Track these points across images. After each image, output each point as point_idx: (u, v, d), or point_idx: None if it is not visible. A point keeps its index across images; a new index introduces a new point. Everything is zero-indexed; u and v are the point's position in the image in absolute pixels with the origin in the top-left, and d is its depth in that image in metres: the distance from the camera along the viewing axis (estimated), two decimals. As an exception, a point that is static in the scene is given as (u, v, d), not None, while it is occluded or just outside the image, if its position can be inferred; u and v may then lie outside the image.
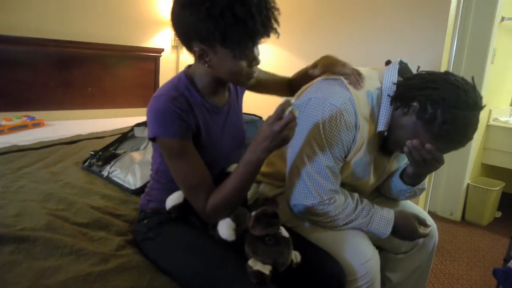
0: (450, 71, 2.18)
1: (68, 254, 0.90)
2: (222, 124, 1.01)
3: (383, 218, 1.05)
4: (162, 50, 2.80)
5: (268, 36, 0.86)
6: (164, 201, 0.99)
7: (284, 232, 0.91)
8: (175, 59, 2.95)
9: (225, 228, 0.90)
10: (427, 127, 0.95)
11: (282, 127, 0.81)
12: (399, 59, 1.09)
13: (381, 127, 1.03)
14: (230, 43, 0.83)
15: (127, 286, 0.84)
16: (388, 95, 1.03)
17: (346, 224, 1.04)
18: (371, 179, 1.12)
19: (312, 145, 1.00)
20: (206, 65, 0.89)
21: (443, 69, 2.15)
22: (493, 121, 2.80)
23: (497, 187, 2.62)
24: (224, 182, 0.91)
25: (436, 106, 0.93)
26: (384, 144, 1.08)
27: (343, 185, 1.09)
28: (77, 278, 0.82)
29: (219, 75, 0.92)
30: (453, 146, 0.99)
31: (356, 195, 1.09)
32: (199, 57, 0.88)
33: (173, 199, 0.97)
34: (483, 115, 2.62)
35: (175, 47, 2.93)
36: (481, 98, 0.95)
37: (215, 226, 0.93)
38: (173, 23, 0.88)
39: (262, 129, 0.85)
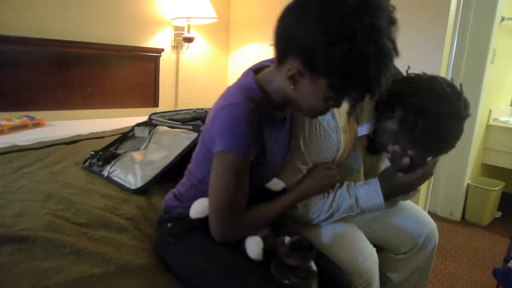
0: (450, 71, 2.21)
1: (68, 254, 0.90)
2: (281, 140, 0.97)
3: (369, 191, 1.02)
4: (162, 50, 2.80)
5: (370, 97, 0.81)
6: None
7: (314, 266, 0.87)
8: (175, 59, 2.95)
9: (254, 248, 0.87)
10: (408, 134, 0.95)
11: (334, 174, 0.96)
12: None
13: (365, 131, 1.02)
14: (339, 88, 0.75)
15: (129, 288, 0.83)
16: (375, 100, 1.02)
17: (332, 216, 1.02)
18: (361, 177, 1.12)
19: (296, 164, 1.00)
20: (292, 86, 0.80)
21: (443, 69, 2.15)
22: (493, 121, 2.80)
23: (497, 187, 2.62)
24: (268, 205, 0.90)
25: (418, 115, 0.92)
26: (371, 145, 1.08)
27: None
28: (78, 280, 0.82)
29: (292, 99, 0.83)
30: (433, 154, 0.98)
31: (337, 183, 1.06)
32: (289, 77, 0.78)
33: (197, 212, 0.91)
34: (483, 115, 2.64)
35: (175, 47, 2.93)
36: (466, 106, 0.93)
37: (240, 242, 0.89)
38: (282, 24, 0.77)
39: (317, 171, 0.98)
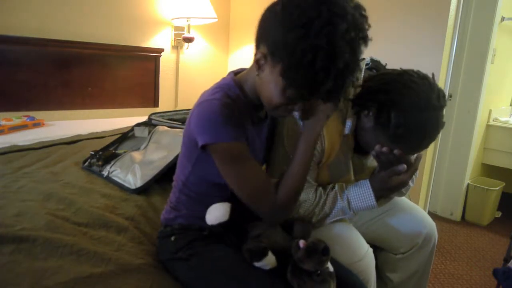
0: (450, 71, 2.21)
1: (68, 254, 0.90)
2: (260, 137, 0.98)
3: (360, 193, 1.02)
4: (162, 50, 2.80)
5: (324, 100, 0.81)
6: (194, 217, 0.94)
7: (330, 267, 0.86)
8: (175, 59, 2.95)
9: (268, 266, 0.85)
10: (384, 131, 0.94)
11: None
12: (368, 57, 1.08)
13: (346, 131, 1.02)
14: (288, 75, 0.76)
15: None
16: (349, 99, 1.02)
17: (325, 217, 1.03)
18: (352, 178, 1.12)
19: (283, 169, 1.00)
20: (257, 73, 0.83)
21: (443, 69, 2.16)
22: (493, 121, 2.81)
23: (497, 187, 2.62)
24: (288, 169, 0.88)
25: (389, 110, 0.91)
26: (357, 145, 1.08)
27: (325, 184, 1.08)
28: (77, 280, 0.82)
29: (258, 90, 0.86)
30: (413, 148, 0.97)
31: (329, 186, 1.06)
32: (256, 60, 0.81)
33: (217, 217, 0.88)
34: (483, 115, 2.64)
35: (175, 47, 2.93)
36: (440, 96, 0.91)
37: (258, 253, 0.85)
38: (263, 17, 0.81)
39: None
